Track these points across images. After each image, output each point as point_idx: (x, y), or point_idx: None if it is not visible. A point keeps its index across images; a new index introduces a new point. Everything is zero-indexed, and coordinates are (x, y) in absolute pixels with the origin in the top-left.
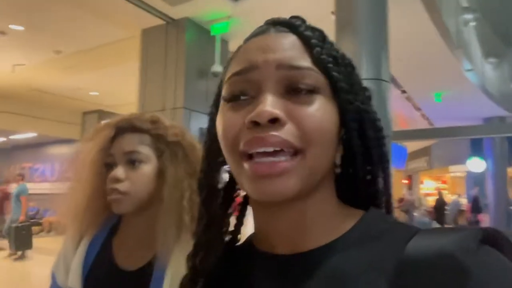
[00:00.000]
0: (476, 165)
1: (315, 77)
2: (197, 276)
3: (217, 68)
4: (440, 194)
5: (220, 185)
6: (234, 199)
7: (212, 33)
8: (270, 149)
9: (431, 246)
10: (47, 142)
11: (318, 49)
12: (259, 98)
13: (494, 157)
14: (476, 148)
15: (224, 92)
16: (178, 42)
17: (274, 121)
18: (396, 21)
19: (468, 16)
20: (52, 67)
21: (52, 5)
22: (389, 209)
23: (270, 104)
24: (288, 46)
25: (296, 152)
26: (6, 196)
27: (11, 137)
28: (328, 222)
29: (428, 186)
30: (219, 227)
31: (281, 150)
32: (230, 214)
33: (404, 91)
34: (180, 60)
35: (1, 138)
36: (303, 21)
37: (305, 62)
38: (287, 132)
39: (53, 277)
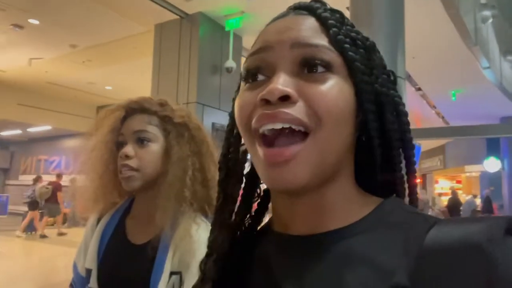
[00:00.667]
0: (493, 165)
1: (330, 55)
2: (211, 253)
3: (230, 63)
4: (454, 193)
5: (242, 170)
6: (258, 185)
7: (226, 28)
8: (279, 126)
9: (455, 235)
10: (62, 135)
11: (335, 29)
12: (273, 77)
13: (510, 157)
14: (493, 147)
15: (242, 72)
16: (191, 37)
17: (285, 99)
18: (413, 17)
19: (486, 13)
20: (67, 61)
21: None
22: (412, 199)
23: (282, 82)
24: (304, 27)
25: (305, 133)
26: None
27: (28, 129)
28: (345, 207)
29: (442, 185)
30: (234, 208)
31: (290, 128)
32: (251, 199)
33: (419, 89)
34: (193, 55)
35: (18, 130)
36: (323, 3)
37: (321, 41)
38: (297, 110)
39: (75, 268)
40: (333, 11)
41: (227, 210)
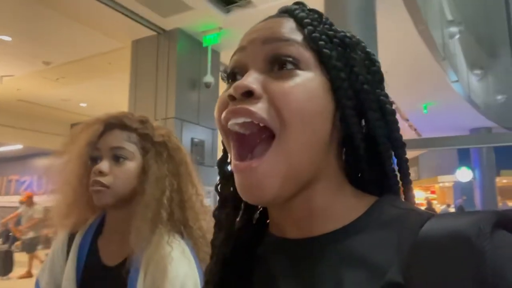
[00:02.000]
0: (464, 175)
1: (301, 51)
2: (212, 255)
3: (209, 78)
4: (429, 204)
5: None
6: None
7: (204, 44)
8: (240, 120)
9: (444, 228)
10: (35, 154)
11: (310, 27)
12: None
13: (481, 167)
14: (464, 158)
15: (221, 75)
16: (169, 53)
17: (249, 95)
18: (385, 33)
19: (453, 29)
20: (40, 78)
21: (41, 15)
22: (407, 195)
23: (247, 79)
24: (280, 25)
25: (270, 134)
26: None
27: None
28: (337, 208)
29: (417, 196)
30: (230, 209)
31: (253, 124)
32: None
33: (392, 102)
34: (171, 70)
35: None
36: (303, 5)
37: (295, 37)
38: (258, 106)
39: (37, 285)
40: (312, 11)
41: (224, 212)
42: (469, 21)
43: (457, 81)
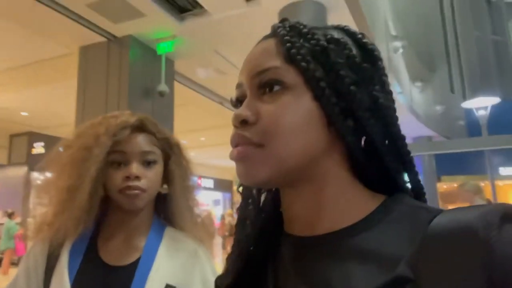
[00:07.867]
0: (407, 181)
1: (283, 74)
2: (235, 246)
3: (163, 87)
4: None
5: None
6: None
7: (158, 52)
8: (240, 149)
9: (452, 221)
10: None
11: (288, 45)
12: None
13: (423, 173)
14: None
15: (231, 101)
16: (121, 60)
17: (245, 122)
18: None
19: (397, 43)
20: None
21: None
22: (416, 192)
23: (243, 108)
24: (261, 53)
25: (259, 145)
26: None
27: None
28: (347, 206)
29: None
30: (252, 207)
31: (248, 146)
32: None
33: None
34: (123, 78)
35: None
36: (286, 21)
37: (274, 61)
38: (252, 131)
39: None
40: (292, 26)
41: (246, 210)
42: (411, 37)
43: (401, 92)
